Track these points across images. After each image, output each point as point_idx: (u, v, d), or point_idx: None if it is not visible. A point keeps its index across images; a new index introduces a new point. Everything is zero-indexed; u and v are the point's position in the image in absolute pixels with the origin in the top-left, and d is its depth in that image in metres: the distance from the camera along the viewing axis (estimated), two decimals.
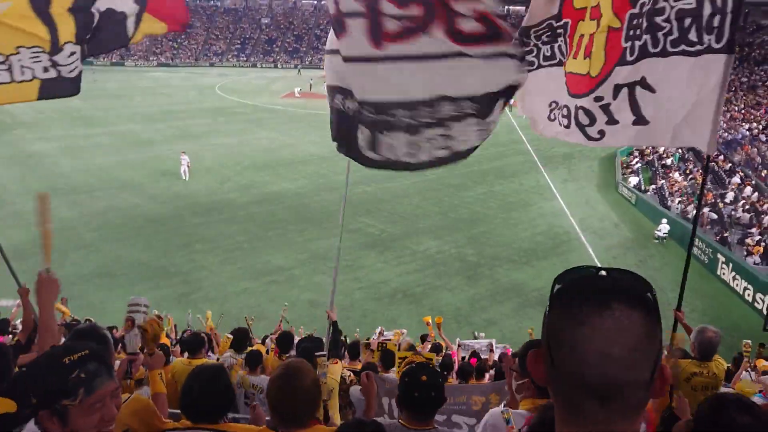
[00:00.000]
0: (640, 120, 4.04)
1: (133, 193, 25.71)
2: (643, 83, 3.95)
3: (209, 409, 2.79)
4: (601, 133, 4.31)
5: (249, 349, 5.99)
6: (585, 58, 4.29)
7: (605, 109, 4.21)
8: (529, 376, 2.74)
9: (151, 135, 37.89)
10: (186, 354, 5.97)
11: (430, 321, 11.04)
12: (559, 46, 4.60)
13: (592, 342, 1.05)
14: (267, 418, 3.40)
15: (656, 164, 29.98)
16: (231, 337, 7.14)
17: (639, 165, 30.13)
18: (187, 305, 15.55)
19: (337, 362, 4.60)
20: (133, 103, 50.51)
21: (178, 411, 3.54)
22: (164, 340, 7.89)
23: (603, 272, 1.12)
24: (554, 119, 4.83)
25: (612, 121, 4.20)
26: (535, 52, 4.77)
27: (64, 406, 1.82)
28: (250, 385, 5.36)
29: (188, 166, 27.77)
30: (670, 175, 27.58)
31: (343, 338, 8.45)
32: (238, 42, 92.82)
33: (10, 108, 44.55)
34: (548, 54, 4.70)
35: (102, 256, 19.25)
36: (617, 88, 4.08)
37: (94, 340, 2.88)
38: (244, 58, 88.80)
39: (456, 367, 8.16)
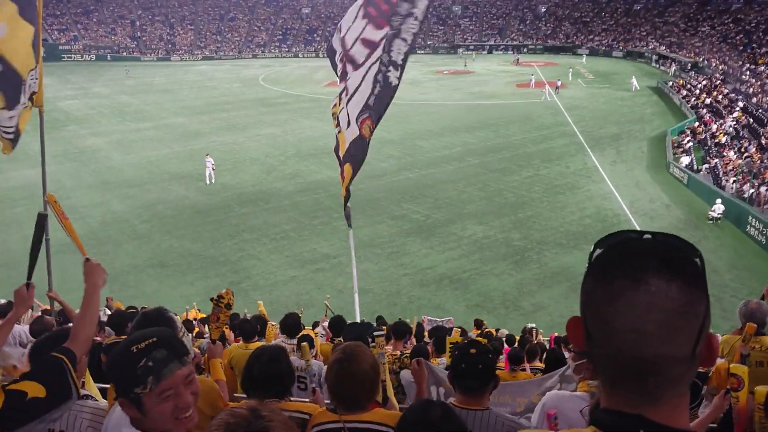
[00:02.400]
0: None
1: (182, 185, 26.31)
2: None
3: (271, 389, 2.85)
4: None
5: (300, 333, 6.08)
6: None
7: None
8: (586, 355, 2.70)
9: (198, 127, 38.63)
10: (240, 340, 6.10)
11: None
12: None
13: (625, 317, 1.01)
14: (326, 401, 3.46)
15: (709, 143, 28.98)
16: (275, 325, 7.23)
17: (691, 144, 29.17)
18: (236, 294, 15.83)
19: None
20: (180, 96, 51.52)
21: (242, 396, 3.63)
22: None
23: (647, 236, 1.06)
24: None
25: None
26: None
27: (137, 394, 1.83)
28: (301, 370, 5.44)
29: (213, 169, 26.73)
30: (724, 153, 26.62)
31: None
32: (280, 33, 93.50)
33: (62, 105, 46.10)
34: None
35: (154, 247, 19.80)
36: None
37: (161, 324, 2.95)
38: (286, 49, 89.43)
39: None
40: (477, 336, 9.81)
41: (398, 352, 5.35)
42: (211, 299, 3.72)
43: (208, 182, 26.31)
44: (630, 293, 1.01)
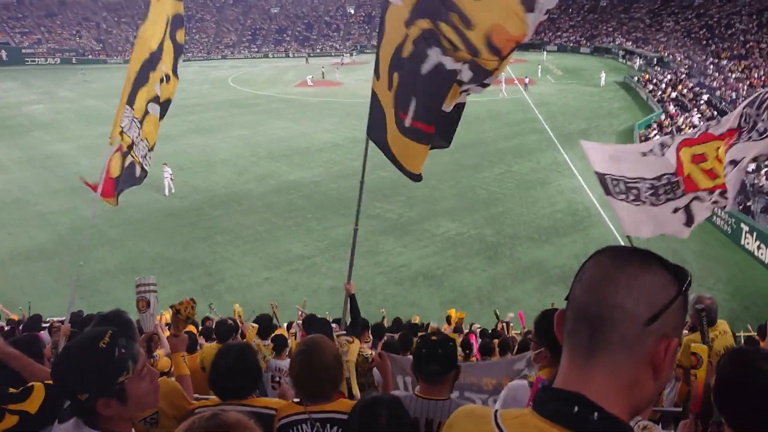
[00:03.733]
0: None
1: (153, 188, 25.93)
2: None
3: (237, 386, 2.85)
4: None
5: (273, 333, 6.06)
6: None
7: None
8: (545, 344, 2.76)
9: (167, 130, 38.03)
10: (216, 341, 6.06)
11: (452, 315, 11.23)
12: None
13: (595, 269, 1.10)
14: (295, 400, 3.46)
15: (675, 136, 29.52)
16: (257, 326, 7.21)
17: (658, 138, 29.69)
18: (210, 297, 15.73)
19: (353, 341, 4.66)
20: None
21: (206, 397, 3.62)
22: (190, 328, 8.00)
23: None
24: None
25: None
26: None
27: (121, 383, 1.87)
28: (276, 369, 5.45)
29: (171, 179, 25.22)
30: None
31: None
32: (249, 33, 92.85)
33: (27, 110, 45.17)
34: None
35: (125, 252, 19.53)
36: None
37: (119, 325, 2.95)
38: (256, 49, 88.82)
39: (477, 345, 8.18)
40: (449, 332, 9.90)
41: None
42: (171, 307, 3.64)
43: (167, 193, 24.90)
44: (609, 256, 1.11)
